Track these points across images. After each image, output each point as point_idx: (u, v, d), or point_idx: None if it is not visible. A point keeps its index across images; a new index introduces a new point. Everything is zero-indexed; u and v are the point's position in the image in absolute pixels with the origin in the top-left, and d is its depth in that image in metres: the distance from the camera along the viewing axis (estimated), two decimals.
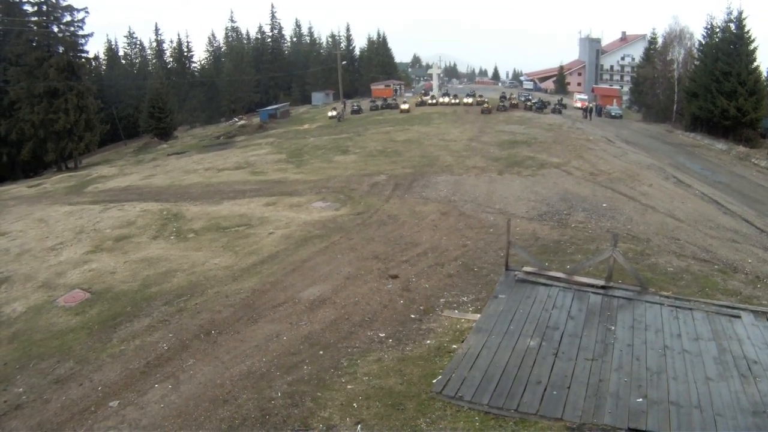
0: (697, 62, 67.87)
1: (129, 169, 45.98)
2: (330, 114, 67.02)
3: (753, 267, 17.88)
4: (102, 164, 60.35)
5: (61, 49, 65.45)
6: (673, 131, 65.94)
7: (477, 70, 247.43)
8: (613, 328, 11.64)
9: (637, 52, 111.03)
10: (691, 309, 12.62)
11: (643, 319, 12.07)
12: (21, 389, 11.79)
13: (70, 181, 43.23)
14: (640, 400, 9.13)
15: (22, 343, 14.04)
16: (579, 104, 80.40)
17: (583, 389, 9.41)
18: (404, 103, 73.71)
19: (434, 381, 9.96)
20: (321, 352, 11.85)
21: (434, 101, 77.85)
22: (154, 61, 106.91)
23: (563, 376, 9.78)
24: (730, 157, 49.90)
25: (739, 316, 12.32)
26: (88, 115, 66.59)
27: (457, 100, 75.53)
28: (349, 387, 10.28)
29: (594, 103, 79.25)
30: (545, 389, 9.42)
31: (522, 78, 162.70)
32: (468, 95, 73.94)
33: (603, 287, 13.46)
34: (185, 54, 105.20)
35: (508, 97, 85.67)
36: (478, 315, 12.57)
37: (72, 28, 66.38)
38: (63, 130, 63.90)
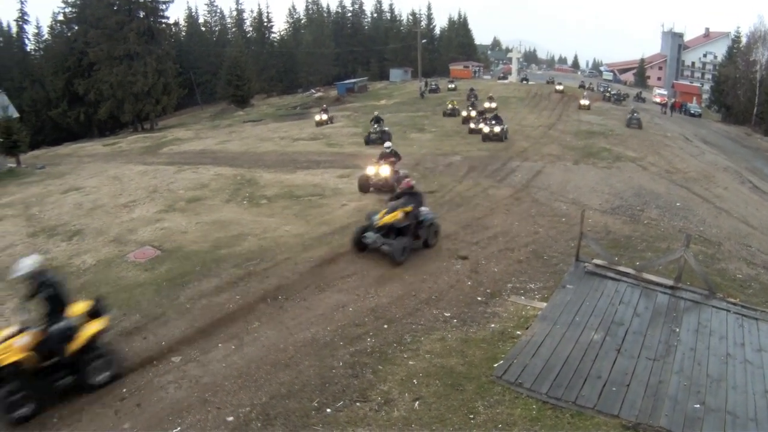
0: None
1: (204, 134, 46.95)
2: (317, 118, 49.25)
3: None
4: (178, 127, 61.65)
5: (141, 14, 67.05)
6: (751, 134, 64.14)
7: (557, 57, 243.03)
8: (677, 329, 11.49)
9: (719, 50, 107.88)
10: (756, 319, 12.35)
11: (708, 324, 11.87)
12: None
13: (146, 142, 44.45)
14: (698, 406, 9.02)
15: (89, 294, 14.27)
16: (658, 99, 78.56)
17: (642, 389, 9.34)
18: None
19: (495, 365, 10.00)
20: (385, 326, 11.99)
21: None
22: (233, 29, 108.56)
23: (624, 374, 9.72)
24: None
25: None
26: (166, 78, 68.22)
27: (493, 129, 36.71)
28: (410, 363, 10.40)
29: (673, 99, 77.27)
30: (605, 384, 9.39)
31: (602, 68, 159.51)
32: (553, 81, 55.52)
33: (671, 287, 13.27)
34: (265, 24, 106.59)
35: (586, 86, 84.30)
36: (545, 303, 12.56)
37: None
38: (141, 92, 65.66)
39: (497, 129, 36.09)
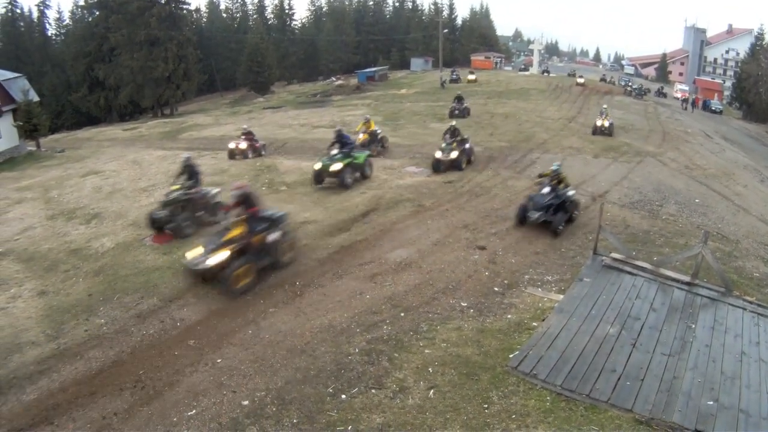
0: None
1: (224, 120, 47.09)
2: (230, 146, 28.32)
3: None
4: (198, 113, 61.85)
5: (163, 0, 67.00)
6: None
7: (578, 50, 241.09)
8: (693, 326, 11.43)
9: (742, 47, 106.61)
10: None
11: (724, 322, 11.80)
12: (103, 320, 12.36)
13: (165, 127, 44.63)
14: (711, 403, 8.98)
15: (107, 277, 14.61)
16: (679, 95, 77.82)
17: (656, 384, 9.32)
18: None
19: (511, 356, 10.01)
20: (402, 314, 12.02)
21: None
22: (254, 16, 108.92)
23: (638, 368, 9.70)
24: None
25: None
26: (187, 64, 68.44)
27: None
28: (426, 351, 10.42)
29: (694, 95, 76.64)
30: (619, 378, 9.37)
31: (623, 62, 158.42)
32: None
33: (688, 284, 13.19)
34: (286, 12, 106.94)
35: (608, 80, 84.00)
36: (561, 296, 12.55)
37: None
38: (161, 77, 65.95)
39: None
